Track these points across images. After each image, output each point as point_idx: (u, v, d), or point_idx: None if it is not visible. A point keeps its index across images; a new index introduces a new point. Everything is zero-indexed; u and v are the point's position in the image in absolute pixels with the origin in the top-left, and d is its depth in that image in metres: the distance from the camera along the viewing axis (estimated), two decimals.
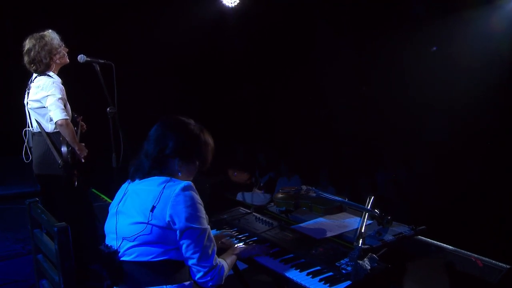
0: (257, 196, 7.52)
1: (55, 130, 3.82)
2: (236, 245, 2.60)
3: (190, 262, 2.12)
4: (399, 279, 2.44)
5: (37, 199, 2.23)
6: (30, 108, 3.86)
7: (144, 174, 2.21)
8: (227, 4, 7.75)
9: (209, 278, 2.13)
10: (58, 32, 3.95)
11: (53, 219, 1.92)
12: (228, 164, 8.14)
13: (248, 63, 9.33)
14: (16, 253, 4.78)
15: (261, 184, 8.00)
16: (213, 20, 8.27)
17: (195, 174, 2.29)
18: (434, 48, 7.88)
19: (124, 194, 2.24)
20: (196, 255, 2.10)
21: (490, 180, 5.84)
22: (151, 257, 2.10)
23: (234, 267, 2.90)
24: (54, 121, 3.73)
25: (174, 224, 2.07)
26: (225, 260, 2.30)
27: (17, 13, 6.80)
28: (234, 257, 2.43)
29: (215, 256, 2.18)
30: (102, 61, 4.01)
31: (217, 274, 2.15)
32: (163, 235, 2.08)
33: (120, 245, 2.14)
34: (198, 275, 2.14)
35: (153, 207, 2.07)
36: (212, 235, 2.19)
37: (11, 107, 4.75)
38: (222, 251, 2.50)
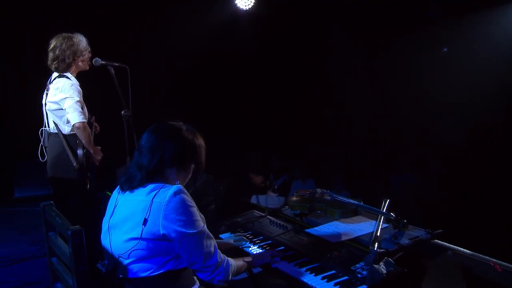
0: (271, 199, 7.49)
1: (71, 132, 3.85)
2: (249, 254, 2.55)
3: (196, 266, 2.09)
4: (415, 284, 2.40)
5: (52, 202, 2.23)
6: (48, 109, 3.89)
7: (134, 186, 2.13)
8: (241, 7, 7.76)
9: (215, 274, 2.11)
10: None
11: (67, 222, 1.92)
12: (243, 168, 8.13)
13: (262, 66, 9.33)
14: (32, 255, 4.81)
15: (275, 187, 7.98)
16: (227, 23, 8.28)
17: (190, 175, 2.27)
18: (445, 49, 7.80)
19: (115, 207, 2.18)
20: (201, 259, 2.06)
21: (508, 182, 5.74)
22: (149, 272, 2.06)
23: (249, 271, 2.90)
24: (72, 124, 3.76)
25: (170, 235, 2.02)
26: (234, 262, 2.25)
27: (31, 18, 6.89)
28: (245, 264, 2.34)
29: (218, 251, 2.14)
30: (117, 64, 4.04)
31: (223, 269, 2.13)
32: (159, 247, 2.04)
33: (116, 262, 2.10)
34: (205, 275, 2.12)
35: (145, 220, 2.02)
36: (209, 232, 2.13)
37: (27, 110, 4.80)
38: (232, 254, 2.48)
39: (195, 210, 2.09)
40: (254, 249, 2.66)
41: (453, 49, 7.64)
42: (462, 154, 6.74)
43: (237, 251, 2.64)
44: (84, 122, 3.78)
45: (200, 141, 2.25)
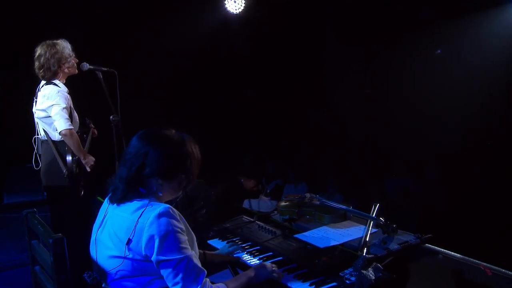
0: (264, 203, 7.45)
1: (61, 139, 3.82)
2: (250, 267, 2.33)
3: None
4: None
5: (35, 209, 2.17)
6: (37, 117, 3.87)
7: (121, 199, 2.00)
8: (231, 10, 7.75)
9: None
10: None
11: (49, 230, 1.88)
12: (235, 172, 8.10)
13: (254, 70, 9.31)
14: (20, 262, 4.76)
15: (268, 191, 7.95)
16: (217, 27, 8.26)
17: (181, 190, 2.12)
18: (439, 51, 7.81)
19: (104, 217, 2.09)
20: (178, 286, 1.90)
21: (502, 187, 5.74)
22: None
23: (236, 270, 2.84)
24: (58, 131, 3.74)
25: (150, 256, 1.91)
26: (227, 285, 2.06)
27: (22, 22, 6.84)
28: (243, 281, 2.14)
29: (203, 281, 1.93)
30: (105, 68, 4.01)
31: None
32: (143, 268, 1.94)
33: (101, 277, 2.03)
34: None
35: (129, 240, 1.91)
36: (195, 261, 1.96)
37: (17, 117, 4.76)
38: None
39: (179, 235, 1.93)
40: (246, 257, 2.60)
41: (448, 51, 7.65)
42: (458, 158, 6.74)
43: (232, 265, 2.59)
44: (71, 129, 3.75)
45: (190, 149, 2.07)
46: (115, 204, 2.04)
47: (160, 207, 1.94)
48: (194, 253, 2.00)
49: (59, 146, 3.84)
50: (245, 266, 2.50)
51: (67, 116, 3.75)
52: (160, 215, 1.91)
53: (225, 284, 2.07)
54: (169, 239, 1.90)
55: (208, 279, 1.98)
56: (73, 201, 3.85)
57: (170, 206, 1.97)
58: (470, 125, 6.92)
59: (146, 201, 1.98)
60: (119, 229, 1.96)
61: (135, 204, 1.98)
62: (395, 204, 6.12)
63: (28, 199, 6.63)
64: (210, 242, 2.86)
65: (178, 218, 1.97)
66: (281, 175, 8.10)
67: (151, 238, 1.89)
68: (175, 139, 2.06)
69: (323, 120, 9.22)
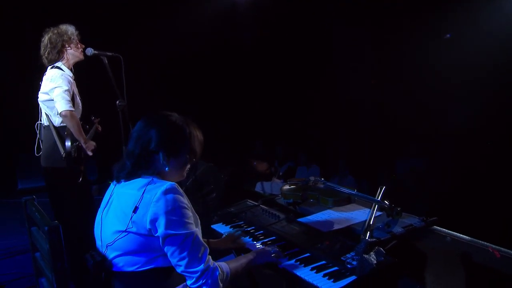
0: (276, 186, 7.45)
1: (61, 124, 3.82)
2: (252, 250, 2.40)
3: (179, 269, 1.98)
4: (412, 272, 2.34)
5: (34, 196, 2.19)
6: (40, 101, 3.87)
7: (128, 174, 2.07)
8: None
9: (201, 282, 1.97)
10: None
11: (46, 218, 1.88)
12: (247, 156, 8.10)
13: (264, 55, 9.23)
14: None
15: (281, 174, 7.95)
16: (226, 11, 8.19)
17: (186, 169, 2.17)
18: (448, 36, 7.65)
19: (110, 197, 2.13)
20: (183, 262, 1.95)
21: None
22: (136, 267, 1.99)
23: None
24: (59, 112, 3.71)
25: (155, 231, 1.94)
26: (228, 265, 2.12)
27: (24, 11, 6.87)
28: (244, 262, 2.21)
29: (207, 259, 2.00)
30: (110, 53, 3.97)
31: (210, 278, 1.98)
32: (146, 243, 1.97)
33: (105, 253, 2.05)
34: (190, 282, 1.99)
35: (133, 214, 1.95)
36: (200, 239, 2.01)
37: (29, 104, 4.78)
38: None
39: (186, 211, 1.98)
40: (249, 242, 2.59)
41: (461, 32, 7.49)
42: (469, 141, 6.64)
43: (237, 251, 2.59)
44: (72, 110, 3.72)
45: (192, 129, 2.14)
46: (122, 182, 2.10)
47: (167, 183, 1.99)
48: (199, 230, 2.05)
49: (60, 131, 3.83)
50: (250, 251, 2.48)
51: (68, 98, 3.72)
52: (167, 191, 1.95)
53: (227, 263, 2.13)
54: (176, 215, 1.94)
55: (210, 257, 2.03)
56: (71, 186, 3.84)
57: (175, 183, 2.02)
58: (483, 106, 6.78)
59: (152, 179, 2.03)
60: (125, 204, 2.01)
61: (142, 180, 2.04)
62: (405, 186, 6.07)
63: (41, 184, 6.71)
64: (213, 226, 2.86)
65: (184, 195, 2.02)
66: (293, 157, 8.09)
67: (157, 214, 1.93)
68: (178, 121, 2.12)
69: (334, 103, 9.15)
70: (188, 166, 2.16)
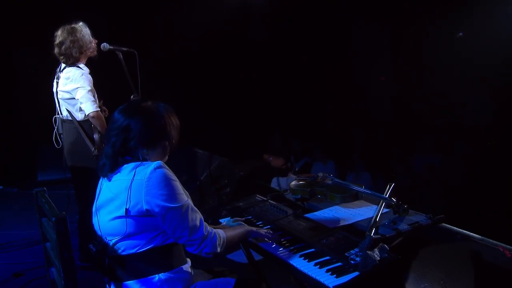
0: (292, 181, 7.44)
1: (85, 119, 3.90)
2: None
3: (182, 240, 2.10)
4: (417, 270, 2.33)
5: (45, 188, 2.26)
6: (60, 98, 3.95)
7: (109, 171, 2.13)
8: None
9: (202, 247, 2.12)
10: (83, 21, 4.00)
11: (55, 209, 1.94)
12: (264, 151, 8.11)
13: (281, 50, 9.20)
14: None
15: (296, 169, 7.93)
16: (241, 5, 8.18)
17: (166, 155, 2.24)
18: (461, 34, 7.53)
19: (100, 190, 2.19)
20: (186, 232, 2.06)
21: None
22: (137, 248, 2.07)
23: (249, 257, 2.88)
24: (86, 113, 3.83)
25: (154, 210, 2.02)
26: (225, 233, 2.26)
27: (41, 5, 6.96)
28: (239, 232, 2.37)
29: (204, 225, 2.14)
30: (125, 49, 4.04)
31: (210, 242, 2.13)
32: (144, 224, 2.04)
33: (106, 242, 2.12)
34: (192, 249, 2.13)
35: (128, 198, 2.01)
36: (193, 206, 2.13)
37: (48, 96, 4.87)
38: None
39: (177, 184, 2.08)
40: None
41: (482, 25, 7.35)
42: (488, 136, 6.53)
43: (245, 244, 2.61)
44: (98, 111, 3.86)
45: (168, 118, 2.19)
46: (109, 175, 2.14)
47: (153, 163, 2.07)
48: (190, 200, 2.15)
49: (84, 125, 3.93)
50: (257, 246, 2.50)
51: (93, 99, 3.84)
52: (156, 168, 2.03)
53: (224, 231, 2.28)
54: (170, 189, 2.03)
55: (206, 223, 2.19)
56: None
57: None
58: (502, 102, 6.66)
59: (138, 163, 2.10)
60: (118, 191, 2.06)
61: (128, 166, 2.10)
62: (421, 182, 6.01)
63: (61, 176, 6.82)
64: (222, 221, 2.88)
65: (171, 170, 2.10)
66: (309, 153, 8.07)
67: (152, 192, 2.00)
68: (153, 109, 2.17)
69: (350, 98, 9.09)
70: (169, 149, 2.23)
